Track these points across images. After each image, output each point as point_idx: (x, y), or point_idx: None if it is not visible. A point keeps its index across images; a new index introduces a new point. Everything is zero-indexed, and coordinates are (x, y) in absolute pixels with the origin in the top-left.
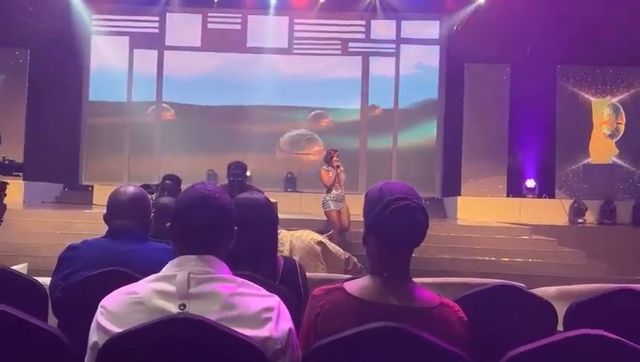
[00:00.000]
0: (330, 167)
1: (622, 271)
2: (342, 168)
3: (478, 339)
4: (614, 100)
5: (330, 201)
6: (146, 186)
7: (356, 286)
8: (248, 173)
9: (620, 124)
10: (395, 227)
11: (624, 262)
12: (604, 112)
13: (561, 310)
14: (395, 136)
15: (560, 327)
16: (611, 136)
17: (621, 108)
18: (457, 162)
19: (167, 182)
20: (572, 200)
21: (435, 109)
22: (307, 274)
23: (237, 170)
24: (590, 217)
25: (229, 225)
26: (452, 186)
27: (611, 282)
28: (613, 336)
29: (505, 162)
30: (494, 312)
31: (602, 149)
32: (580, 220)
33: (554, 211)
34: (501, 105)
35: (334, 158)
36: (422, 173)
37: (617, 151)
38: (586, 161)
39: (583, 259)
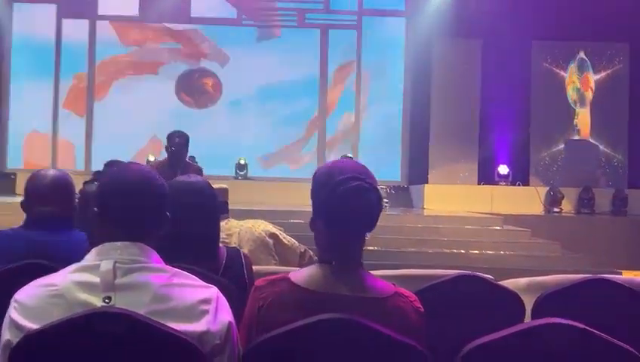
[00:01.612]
0: None
1: (599, 264)
2: None
3: (439, 331)
4: (590, 70)
5: None
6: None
7: (303, 275)
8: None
9: (587, 90)
10: (346, 210)
11: (602, 254)
12: (569, 69)
13: (531, 302)
14: (358, 117)
15: (528, 320)
16: (579, 102)
17: (590, 67)
18: (424, 147)
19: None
20: (547, 188)
21: (400, 88)
22: (256, 267)
23: (181, 138)
24: (567, 206)
25: (160, 210)
26: (418, 173)
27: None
28: (580, 326)
29: (476, 147)
30: (457, 304)
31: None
32: (556, 209)
33: (528, 200)
34: (472, 84)
35: None
36: (385, 158)
37: (589, 127)
38: (561, 146)
39: (557, 251)
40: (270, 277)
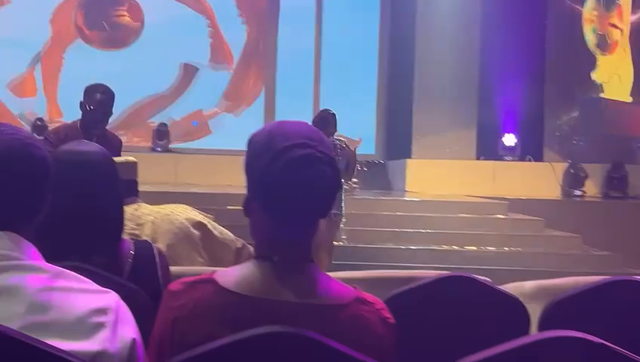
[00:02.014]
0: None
1: (632, 263)
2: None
3: (415, 348)
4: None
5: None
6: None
7: (233, 276)
8: None
9: (611, 30)
10: (291, 187)
11: (637, 251)
12: (586, 2)
13: (540, 311)
14: (318, 72)
15: (534, 332)
16: (600, 47)
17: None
18: (406, 111)
19: None
20: (567, 165)
21: (375, 33)
22: (176, 268)
23: (104, 95)
24: (592, 188)
25: (38, 190)
26: (399, 145)
27: None
28: (597, 340)
29: (474, 110)
30: (441, 313)
31: (614, 85)
32: (578, 192)
33: (541, 179)
34: (469, 31)
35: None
36: (355, 126)
37: (630, 85)
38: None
39: (578, 247)
40: (189, 279)
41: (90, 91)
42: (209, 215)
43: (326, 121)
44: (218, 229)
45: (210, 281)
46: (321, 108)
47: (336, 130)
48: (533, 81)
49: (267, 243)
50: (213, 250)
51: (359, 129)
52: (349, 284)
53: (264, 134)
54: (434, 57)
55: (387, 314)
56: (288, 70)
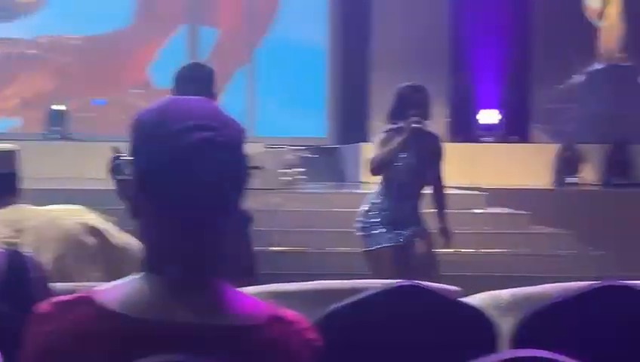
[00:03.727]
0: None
1: (635, 266)
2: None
3: None
4: None
5: (373, 225)
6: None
7: (118, 293)
8: None
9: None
10: (186, 180)
11: None
12: None
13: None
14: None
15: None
16: (601, 15)
17: None
18: (362, 86)
19: None
20: (559, 146)
21: None
22: (66, 284)
23: None
24: (589, 174)
25: None
26: (353, 127)
27: None
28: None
29: (444, 83)
30: (386, 330)
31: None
32: (572, 179)
33: (529, 164)
34: None
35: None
36: (301, 105)
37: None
38: (581, 80)
39: (572, 246)
40: (61, 298)
41: None
42: (111, 217)
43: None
44: (119, 236)
45: (88, 300)
46: None
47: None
48: (516, 47)
49: (159, 251)
50: (114, 262)
51: (306, 107)
52: (277, 299)
53: (153, 114)
54: (394, 20)
55: (311, 336)
56: None
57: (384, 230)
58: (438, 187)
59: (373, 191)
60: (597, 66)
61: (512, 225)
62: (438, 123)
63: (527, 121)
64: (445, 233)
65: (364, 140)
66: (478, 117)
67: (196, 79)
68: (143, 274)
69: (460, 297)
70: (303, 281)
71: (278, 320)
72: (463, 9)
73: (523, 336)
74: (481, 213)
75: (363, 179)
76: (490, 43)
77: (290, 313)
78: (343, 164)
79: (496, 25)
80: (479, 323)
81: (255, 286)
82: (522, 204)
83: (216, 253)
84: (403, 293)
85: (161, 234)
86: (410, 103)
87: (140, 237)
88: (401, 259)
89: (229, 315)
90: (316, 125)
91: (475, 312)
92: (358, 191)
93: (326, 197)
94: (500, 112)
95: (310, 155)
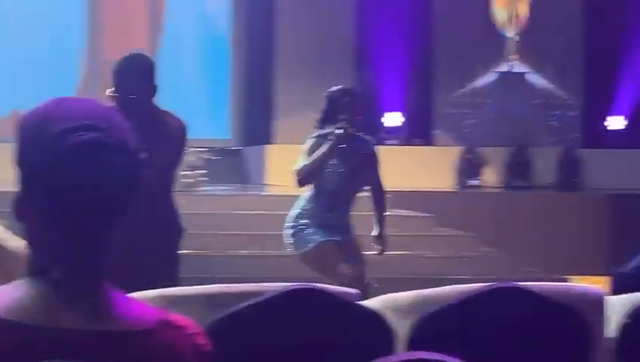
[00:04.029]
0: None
1: (539, 266)
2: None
3: None
4: None
5: (305, 228)
6: None
7: (2, 299)
8: None
9: (521, 4)
10: (73, 181)
11: (545, 251)
12: None
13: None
14: (155, 35)
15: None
16: (509, 24)
17: None
18: (266, 87)
19: None
20: (461, 149)
21: None
22: None
23: None
24: (491, 176)
25: None
26: (258, 128)
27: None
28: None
29: (349, 83)
30: (282, 334)
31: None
32: (474, 181)
33: (432, 167)
34: None
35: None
36: (202, 104)
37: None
38: (483, 84)
39: (475, 248)
40: None
41: None
42: (2, 220)
43: None
44: (6, 236)
45: None
46: None
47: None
48: (419, 49)
49: (44, 255)
50: (4, 266)
51: (210, 108)
52: (169, 304)
53: (38, 116)
54: (298, 21)
55: (201, 341)
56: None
57: (315, 232)
58: (376, 191)
59: (304, 195)
60: (498, 71)
61: (415, 228)
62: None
63: (431, 124)
64: (381, 239)
65: (269, 142)
66: (382, 119)
67: (138, 71)
68: (28, 278)
69: (359, 300)
70: (204, 284)
71: (166, 324)
72: (367, 12)
73: (418, 338)
74: (385, 215)
75: (266, 181)
76: (395, 46)
77: (179, 318)
78: (247, 166)
79: (400, 28)
80: (376, 326)
81: (146, 291)
82: (426, 207)
83: (101, 256)
84: (299, 297)
85: (45, 238)
86: (339, 108)
87: (26, 240)
88: (341, 250)
89: (116, 320)
90: (219, 126)
91: (372, 315)
92: (261, 193)
93: (229, 199)
94: (404, 115)
95: (213, 157)
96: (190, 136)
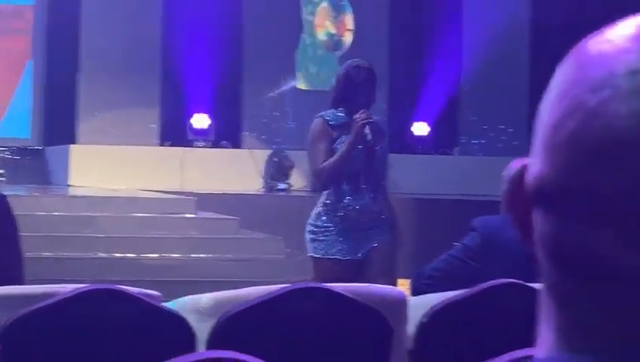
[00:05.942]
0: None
1: None
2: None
3: None
4: None
5: (324, 231)
6: None
7: None
8: None
9: (343, 34)
10: None
11: None
12: (321, 6)
13: None
14: None
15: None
16: (332, 45)
17: (348, 7)
18: (70, 84)
19: None
20: (269, 152)
21: None
22: None
23: None
24: (298, 180)
25: None
26: (60, 127)
27: None
28: (251, 359)
29: (157, 85)
30: (76, 336)
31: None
32: (282, 185)
33: (240, 170)
34: None
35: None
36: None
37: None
38: (292, 85)
39: (280, 250)
40: None
41: None
42: None
43: None
44: None
45: None
46: None
47: None
48: (228, 51)
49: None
50: None
51: (9, 106)
52: None
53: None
54: (104, 15)
55: None
56: None
57: (335, 241)
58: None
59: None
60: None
61: (221, 230)
62: (150, 126)
63: (239, 127)
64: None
65: (72, 142)
66: (191, 121)
67: None
68: None
69: (161, 302)
70: None
71: None
72: (175, 13)
73: (218, 338)
74: (190, 218)
75: (69, 182)
76: (203, 48)
77: None
78: (49, 166)
79: (209, 30)
80: (177, 327)
81: None
82: (232, 209)
83: None
84: (98, 298)
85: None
86: (358, 87)
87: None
88: (354, 274)
89: None
90: (20, 125)
91: (173, 316)
92: (62, 194)
93: (29, 199)
94: (211, 117)
95: (11, 156)
96: None
